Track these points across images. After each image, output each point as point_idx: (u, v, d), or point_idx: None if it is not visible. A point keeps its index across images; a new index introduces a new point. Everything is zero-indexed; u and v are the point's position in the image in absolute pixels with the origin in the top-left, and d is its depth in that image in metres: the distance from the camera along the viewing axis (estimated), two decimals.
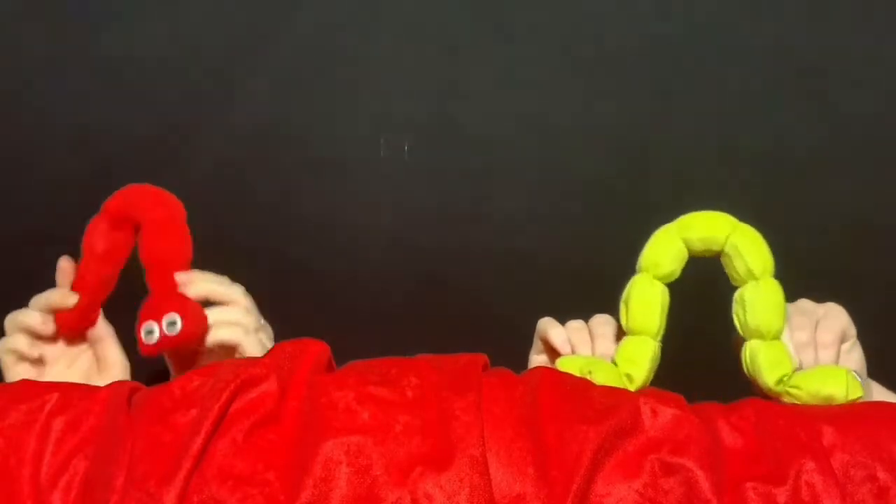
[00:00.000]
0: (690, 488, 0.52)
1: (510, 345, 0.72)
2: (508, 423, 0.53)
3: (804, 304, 0.69)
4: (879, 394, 0.68)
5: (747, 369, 0.65)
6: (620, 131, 1.01)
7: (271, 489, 0.51)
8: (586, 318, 0.73)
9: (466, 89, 1.00)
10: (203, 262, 0.74)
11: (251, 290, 0.74)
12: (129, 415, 0.55)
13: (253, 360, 0.57)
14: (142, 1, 0.98)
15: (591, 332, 0.71)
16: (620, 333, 0.69)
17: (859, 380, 0.63)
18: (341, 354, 0.61)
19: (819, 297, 0.70)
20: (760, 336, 0.65)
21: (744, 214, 0.68)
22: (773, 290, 0.65)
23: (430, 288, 1.10)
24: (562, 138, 1.01)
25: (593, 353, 0.69)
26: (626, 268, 0.70)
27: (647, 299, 0.67)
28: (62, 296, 0.73)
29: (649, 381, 0.65)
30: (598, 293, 0.72)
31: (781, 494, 0.52)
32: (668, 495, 0.52)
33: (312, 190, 1.05)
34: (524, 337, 0.75)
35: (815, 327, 0.67)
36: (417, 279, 1.09)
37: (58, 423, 0.55)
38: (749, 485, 0.52)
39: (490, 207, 1.04)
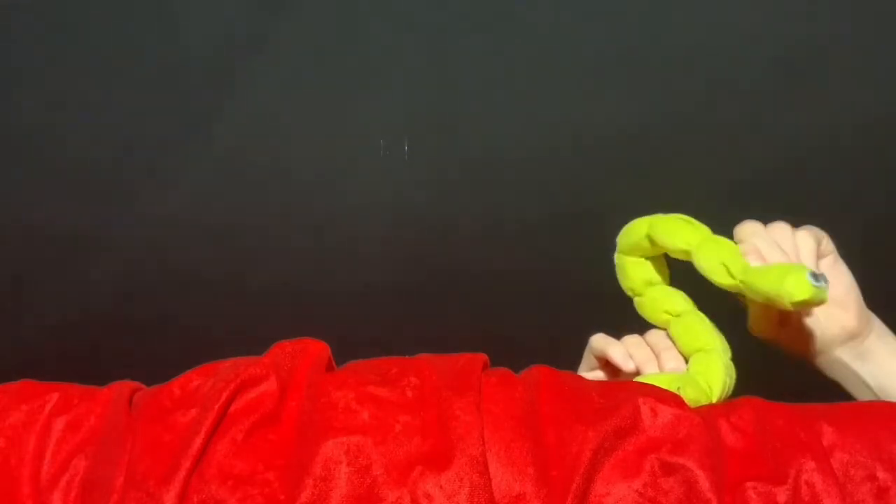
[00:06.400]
0: (690, 488, 0.52)
1: (509, 344, 0.72)
2: (508, 423, 0.53)
3: (777, 226, 0.66)
4: (881, 330, 0.67)
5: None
6: (625, 135, 1.01)
7: (271, 489, 0.51)
8: (588, 317, 0.73)
9: (466, 89, 1.00)
10: (209, 259, 0.74)
11: (251, 288, 0.74)
12: (129, 415, 0.55)
13: (253, 360, 0.57)
14: None
15: (651, 348, 0.69)
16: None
17: (823, 285, 0.59)
18: (341, 354, 0.61)
19: None
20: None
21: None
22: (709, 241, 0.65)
23: (430, 287, 1.10)
24: (563, 140, 1.01)
25: (661, 370, 0.67)
26: None
27: (689, 324, 0.67)
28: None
29: (728, 394, 0.64)
30: (599, 294, 0.72)
31: (781, 494, 0.52)
32: (668, 495, 0.52)
33: (312, 189, 1.06)
34: (523, 336, 0.75)
35: (788, 247, 0.65)
36: (417, 278, 1.09)
37: (58, 423, 0.55)
38: (749, 484, 0.52)
39: (489, 208, 1.05)
